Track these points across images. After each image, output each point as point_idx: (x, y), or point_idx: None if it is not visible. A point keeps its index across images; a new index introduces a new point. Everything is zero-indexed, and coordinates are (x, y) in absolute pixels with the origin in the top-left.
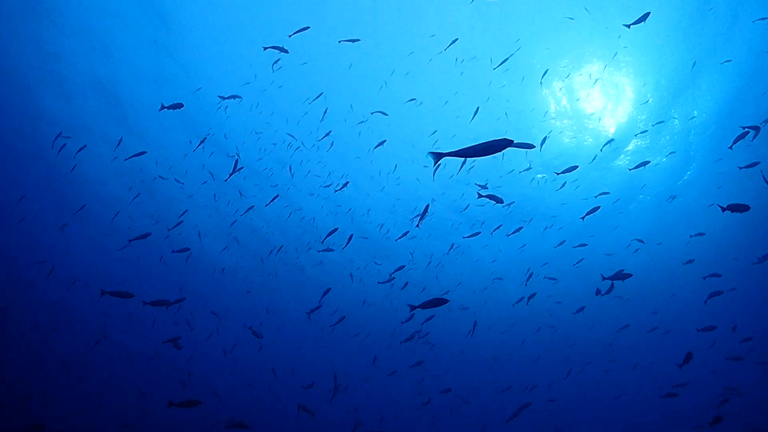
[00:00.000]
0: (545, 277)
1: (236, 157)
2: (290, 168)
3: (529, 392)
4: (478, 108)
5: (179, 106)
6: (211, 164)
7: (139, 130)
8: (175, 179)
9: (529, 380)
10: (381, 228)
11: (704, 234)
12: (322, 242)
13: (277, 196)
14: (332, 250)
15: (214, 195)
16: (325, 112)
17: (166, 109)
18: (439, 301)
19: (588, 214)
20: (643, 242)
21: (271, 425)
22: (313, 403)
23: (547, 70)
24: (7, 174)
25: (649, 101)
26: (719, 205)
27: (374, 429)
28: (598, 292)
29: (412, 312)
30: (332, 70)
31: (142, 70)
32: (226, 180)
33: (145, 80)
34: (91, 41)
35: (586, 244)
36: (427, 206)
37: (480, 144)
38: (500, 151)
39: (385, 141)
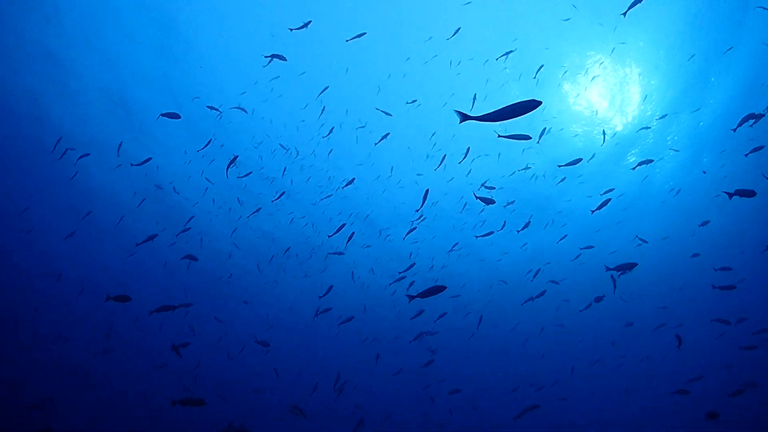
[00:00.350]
0: (549, 281)
1: (236, 155)
2: (284, 170)
3: (537, 392)
4: (475, 95)
5: (176, 116)
6: (214, 170)
7: (145, 138)
8: (173, 188)
9: (536, 379)
10: (382, 232)
11: (709, 221)
12: (330, 237)
13: (284, 192)
14: (342, 253)
15: (213, 200)
16: (323, 110)
17: (163, 117)
18: (437, 289)
19: (599, 207)
20: (647, 242)
21: (276, 427)
22: (318, 404)
23: (542, 66)
24: (16, 182)
25: (653, 96)
26: (726, 192)
27: (378, 427)
28: (598, 299)
29: (410, 302)
30: (329, 78)
31: (149, 78)
32: (227, 177)
33: (151, 88)
34: (98, 50)
35: (593, 246)
36: (427, 191)
37: (509, 105)
38: (529, 112)
39: (388, 134)
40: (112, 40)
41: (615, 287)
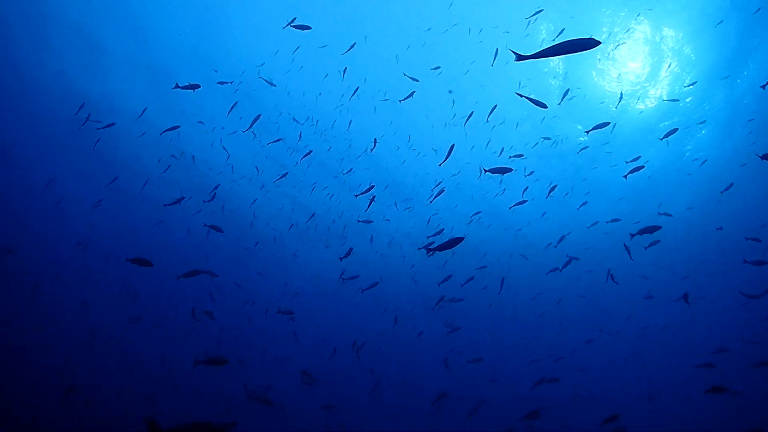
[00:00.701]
0: (570, 257)
1: (259, 114)
2: (299, 136)
3: (555, 362)
4: (497, 49)
5: (196, 86)
6: (236, 140)
7: (170, 106)
8: (192, 156)
9: (555, 350)
10: (405, 203)
11: (732, 184)
12: (356, 196)
13: (311, 152)
14: (371, 222)
15: (232, 166)
16: (345, 71)
17: (179, 89)
18: (455, 241)
19: (631, 172)
20: (671, 215)
21: (294, 393)
22: (335, 371)
23: (563, 30)
24: (45, 147)
25: (681, 64)
26: (757, 154)
27: (396, 391)
28: (614, 280)
29: (429, 255)
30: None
31: (175, 45)
32: (244, 132)
33: (177, 56)
34: (123, 17)
35: (620, 219)
36: (452, 146)
37: (565, 42)
38: (585, 50)
39: (414, 92)
40: (138, 8)
41: (630, 257)
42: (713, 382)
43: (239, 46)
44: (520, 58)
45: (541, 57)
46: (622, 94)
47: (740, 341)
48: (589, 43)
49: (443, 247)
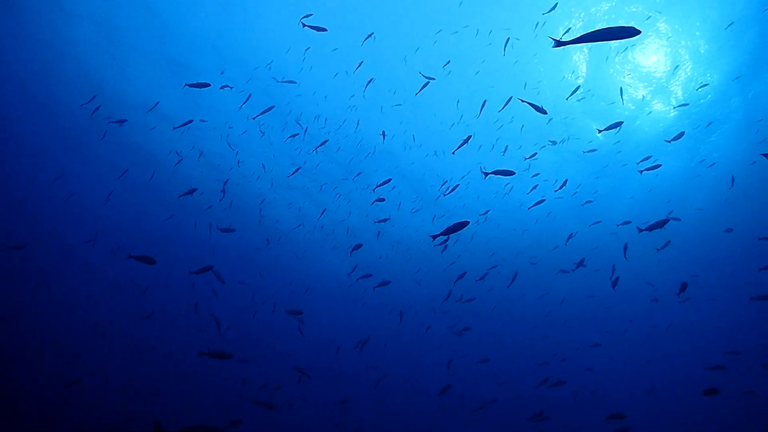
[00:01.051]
0: (574, 263)
1: (272, 105)
2: (305, 131)
3: (561, 362)
4: (509, 38)
5: (206, 85)
6: (246, 138)
7: (187, 99)
8: (200, 152)
9: (560, 349)
10: (415, 203)
11: (733, 179)
12: (374, 190)
13: (326, 141)
14: (388, 219)
15: (238, 162)
16: (359, 65)
17: (189, 87)
18: (460, 225)
19: (648, 169)
20: (680, 219)
21: (301, 391)
22: (342, 368)
23: (570, 29)
24: (58, 140)
25: (691, 66)
26: (763, 154)
27: (397, 389)
28: (614, 282)
29: (434, 242)
30: (360, 52)
31: (196, 40)
32: (254, 118)
33: (198, 51)
34: (145, 10)
35: (630, 221)
36: (469, 137)
37: (604, 29)
38: (625, 38)
39: (428, 82)
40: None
41: (626, 256)
42: (722, 383)
43: (254, 43)
44: (558, 44)
45: (579, 42)
46: (621, 89)
47: (749, 342)
48: (629, 32)
49: (449, 230)
